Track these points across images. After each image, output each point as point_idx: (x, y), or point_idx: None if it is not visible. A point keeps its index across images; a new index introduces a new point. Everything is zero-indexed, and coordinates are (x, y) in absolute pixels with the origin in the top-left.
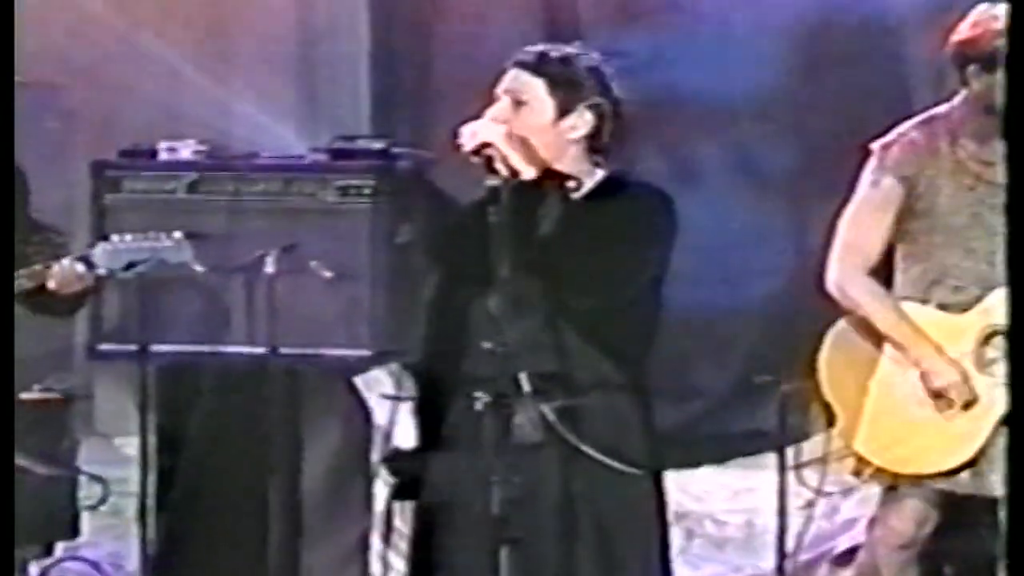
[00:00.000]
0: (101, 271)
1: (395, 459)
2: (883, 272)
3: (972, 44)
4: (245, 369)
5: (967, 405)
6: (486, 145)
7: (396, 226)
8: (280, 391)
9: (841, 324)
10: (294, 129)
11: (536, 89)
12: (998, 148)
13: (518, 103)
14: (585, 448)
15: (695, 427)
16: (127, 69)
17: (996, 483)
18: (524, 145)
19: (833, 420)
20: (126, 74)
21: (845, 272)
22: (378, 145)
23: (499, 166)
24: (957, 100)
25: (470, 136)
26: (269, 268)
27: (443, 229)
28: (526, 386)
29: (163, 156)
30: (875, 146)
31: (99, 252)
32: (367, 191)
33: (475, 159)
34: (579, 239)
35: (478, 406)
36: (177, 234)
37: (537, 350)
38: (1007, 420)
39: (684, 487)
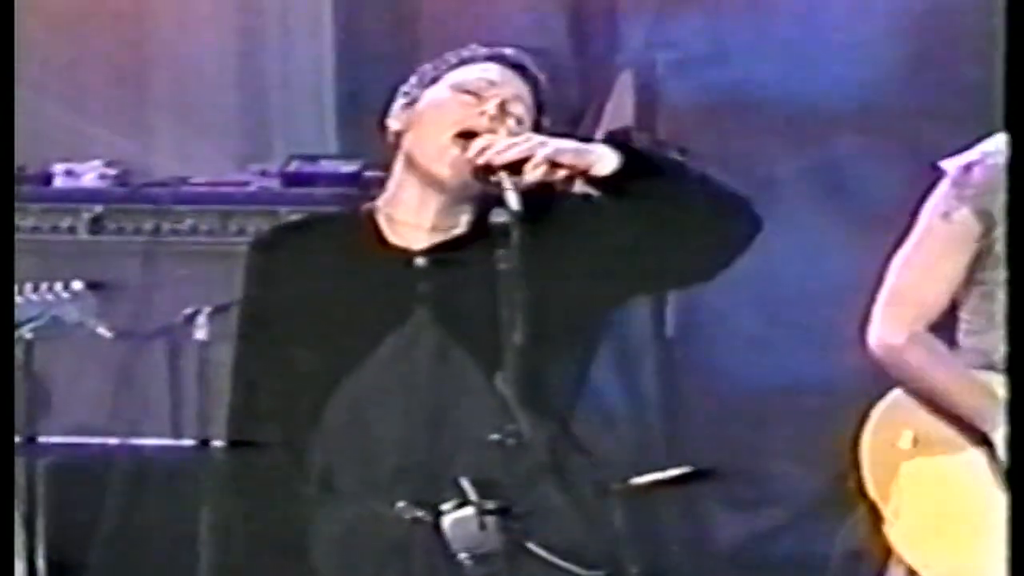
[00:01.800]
0: None
1: None
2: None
3: None
4: (167, 468)
5: None
6: (489, 168)
7: None
8: (214, 498)
9: (892, 397)
10: (235, 147)
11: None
12: None
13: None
14: (544, 553)
15: (770, 545)
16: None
17: None
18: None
19: (880, 523)
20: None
21: (895, 326)
22: (346, 167)
23: (511, 197)
24: None
25: (503, 149)
26: (200, 333)
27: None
28: (470, 492)
29: (59, 183)
30: (950, 166)
31: None
32: None
33: (478, 182)
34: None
35: (473, 517)
36: (77, 284)
37: (551, 441)
38: (1009, 427)
39: None
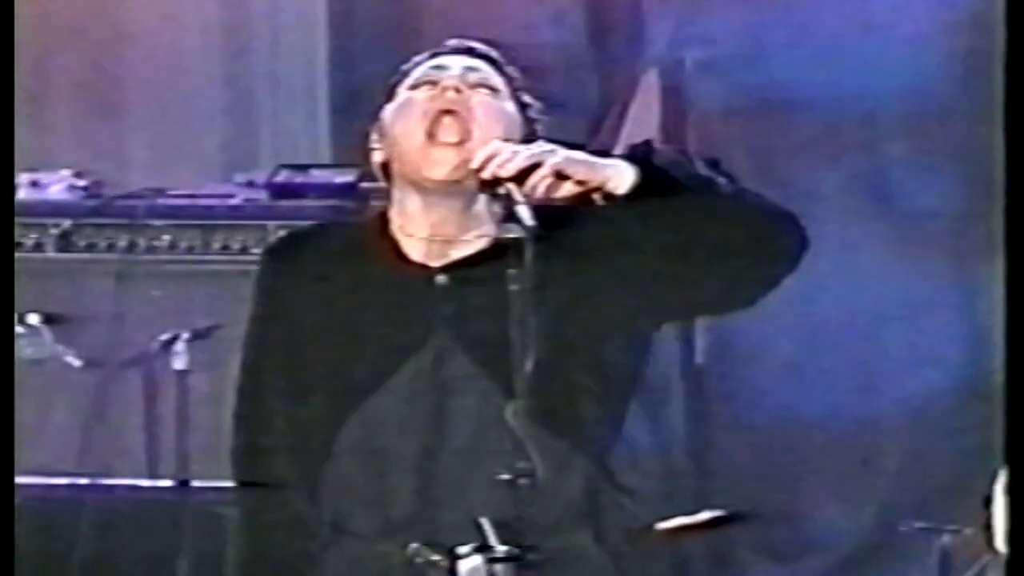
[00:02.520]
0: None
1: None
2: None
3: None
4: (143, 511)
5: None
6: (497, 181)
7: None
8: (194, 544)
9: None
10: (218, 155)
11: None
12: None
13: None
14: None
15: None
16: None
17: None
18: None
19: None
20: None
21: None
22: (340, 177)
23: (522, 211)
24: None
25: (508, 158)
26: (179, 361)
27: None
28: (490, 534)
29: (23, 195)
30: None
31: None
32: None
33: (486, 195)
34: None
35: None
36: (33, 318)
37: (569, 478)
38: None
39: None
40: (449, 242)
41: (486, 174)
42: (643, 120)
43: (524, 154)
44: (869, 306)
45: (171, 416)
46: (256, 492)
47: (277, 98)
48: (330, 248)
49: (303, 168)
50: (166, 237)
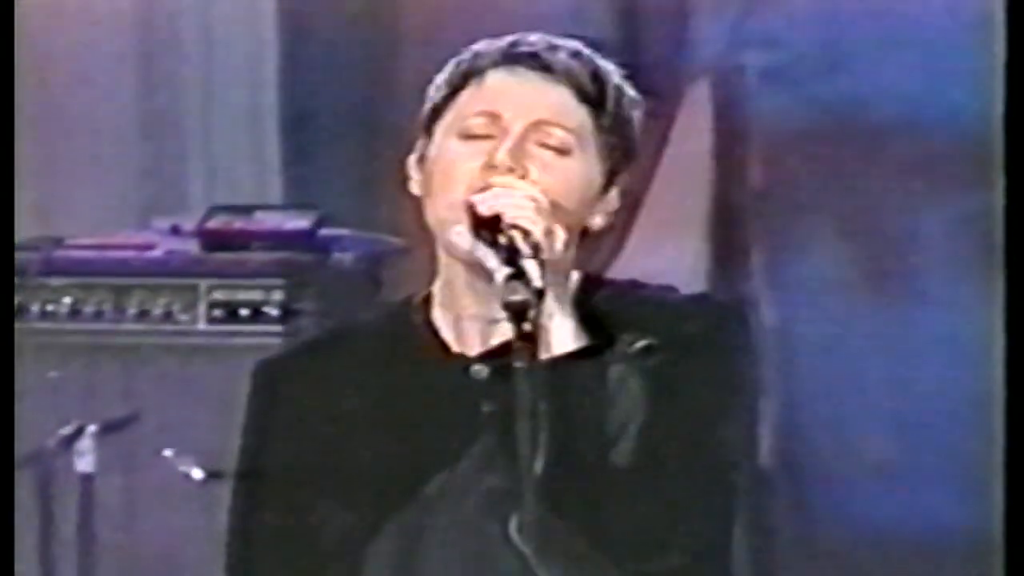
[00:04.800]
0: None
1: None
2: None
3: None
4: None
5: None
6: (497, 222)
7: None
8: None
9: None
10: (134, 193)
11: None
12: None
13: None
14: None
15: None
16: None
17: None
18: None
19: None
20: None
21: None
22: (292, 222)
23: (529, 267)
24: None
25: (489, 199)
26: (83, 461)
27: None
28: None
29: None
30: None
31: None
32: (272, 309)
33: (485, 247)
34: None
35: None
36: None
37: None
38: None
39: None
40: (491, 320)
41: (483, 208)
42: (691, 144)
43: (510, 197)
44: (982, 388)
45: (72, 530)
46: None
47: (211, 121)
48: (349, 352)
49: (244, 210)
50: (67, 300)
